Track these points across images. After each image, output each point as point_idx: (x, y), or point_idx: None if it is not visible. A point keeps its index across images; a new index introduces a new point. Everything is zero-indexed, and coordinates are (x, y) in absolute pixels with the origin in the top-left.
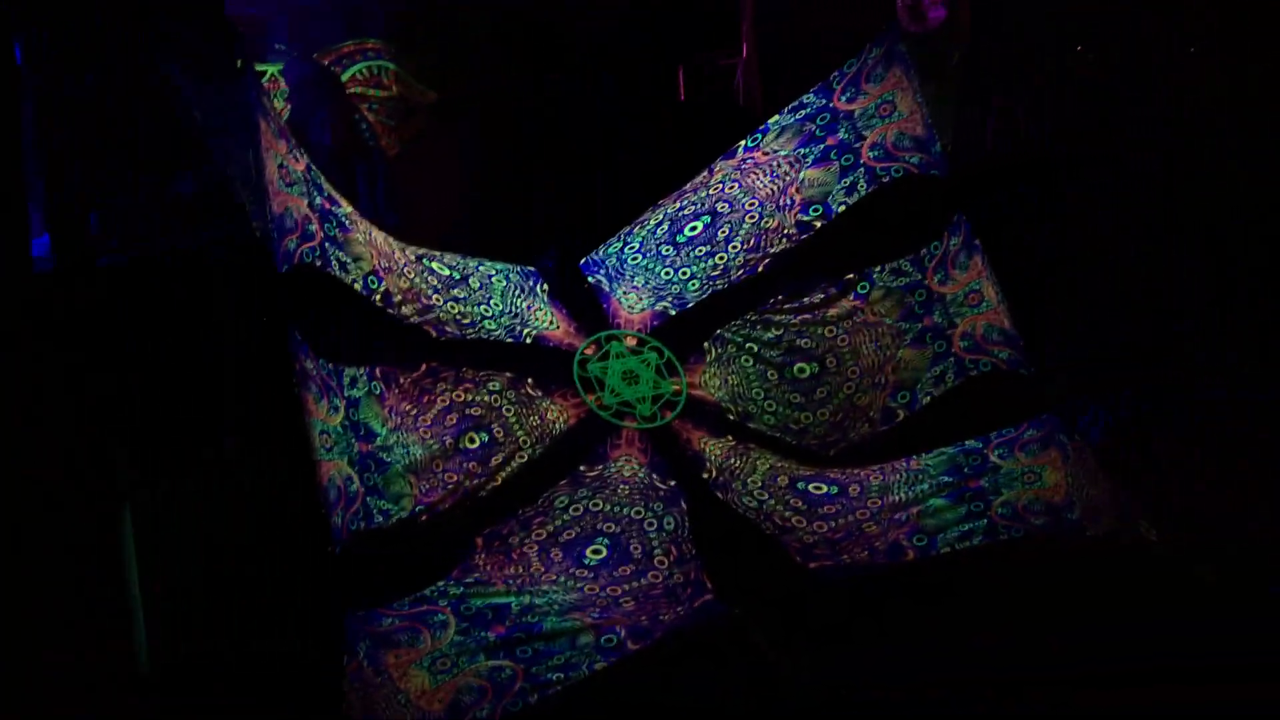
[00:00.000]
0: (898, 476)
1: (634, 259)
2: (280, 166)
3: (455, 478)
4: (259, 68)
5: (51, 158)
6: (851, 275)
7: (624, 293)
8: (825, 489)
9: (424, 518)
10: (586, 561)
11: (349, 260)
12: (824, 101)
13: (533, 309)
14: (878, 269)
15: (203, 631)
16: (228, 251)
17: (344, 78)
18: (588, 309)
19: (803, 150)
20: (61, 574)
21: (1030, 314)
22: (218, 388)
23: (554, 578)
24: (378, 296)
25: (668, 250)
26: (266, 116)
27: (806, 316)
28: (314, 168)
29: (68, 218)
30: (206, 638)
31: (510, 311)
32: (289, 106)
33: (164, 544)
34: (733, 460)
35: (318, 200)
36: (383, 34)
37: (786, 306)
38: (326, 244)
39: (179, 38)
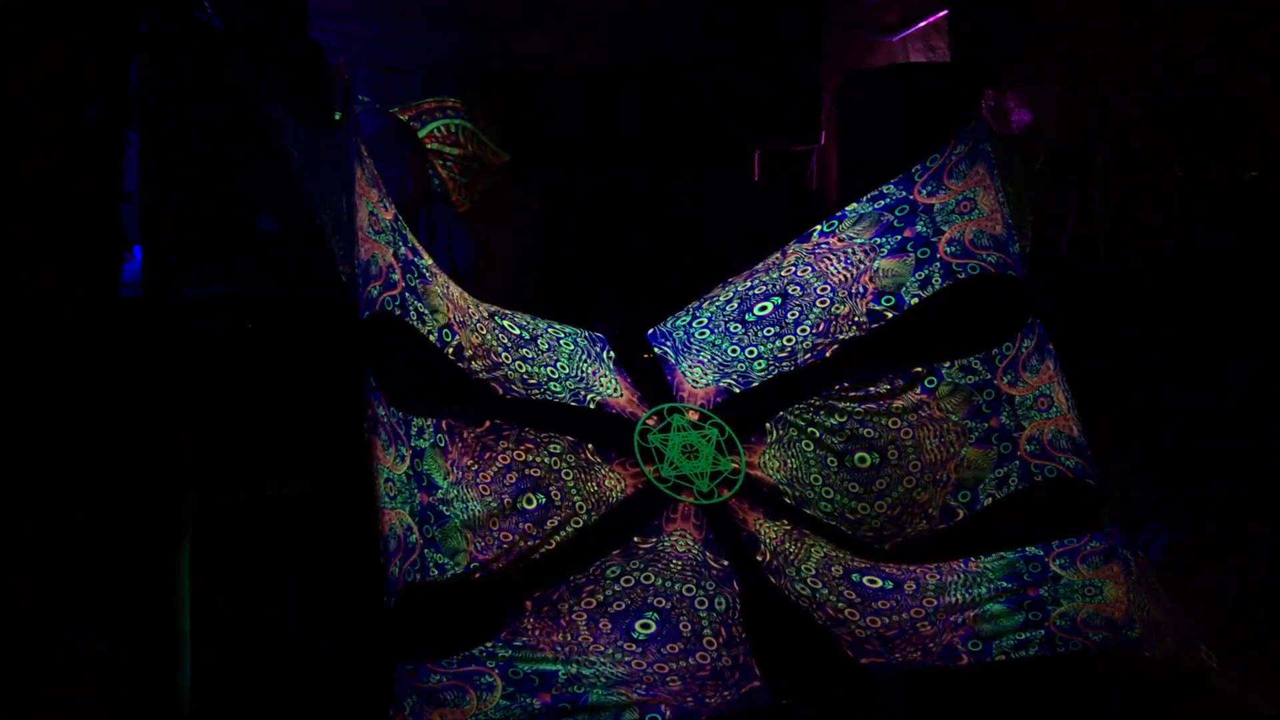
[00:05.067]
0: (955, 577)
1: (702, 334)
2: (371, 214)
3: (510, 538)
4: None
5: (152, 186)
6: (920, 369)
7: (689, 366)
8: (880, 583)
9: (477, 575)
10: (635, 635)
11: (427, 311)
12: (904, 193)
13: (598, 375)
14: (947, 364)
15: (249, 671)
16: (311, 293)
17: (421, 133)
18: (652, 379)
19: (879, 240)
20: (114, 601)
21: (1099, 424)
22: (289, 428)
23: (601, 648)
24: (450, 350)
25: (736, 328)
26: (362, 163)
27: (871, 406)
28: (400, 218)
29: (160, 246)
30: (252, 677)
31: (576, 375)
32: None
33: (219, 580)
34: (788, 545)
35: (402, 250)
36: (461, 94)
37: (852, 394)
38: (407, 294)
39: (287, 80)
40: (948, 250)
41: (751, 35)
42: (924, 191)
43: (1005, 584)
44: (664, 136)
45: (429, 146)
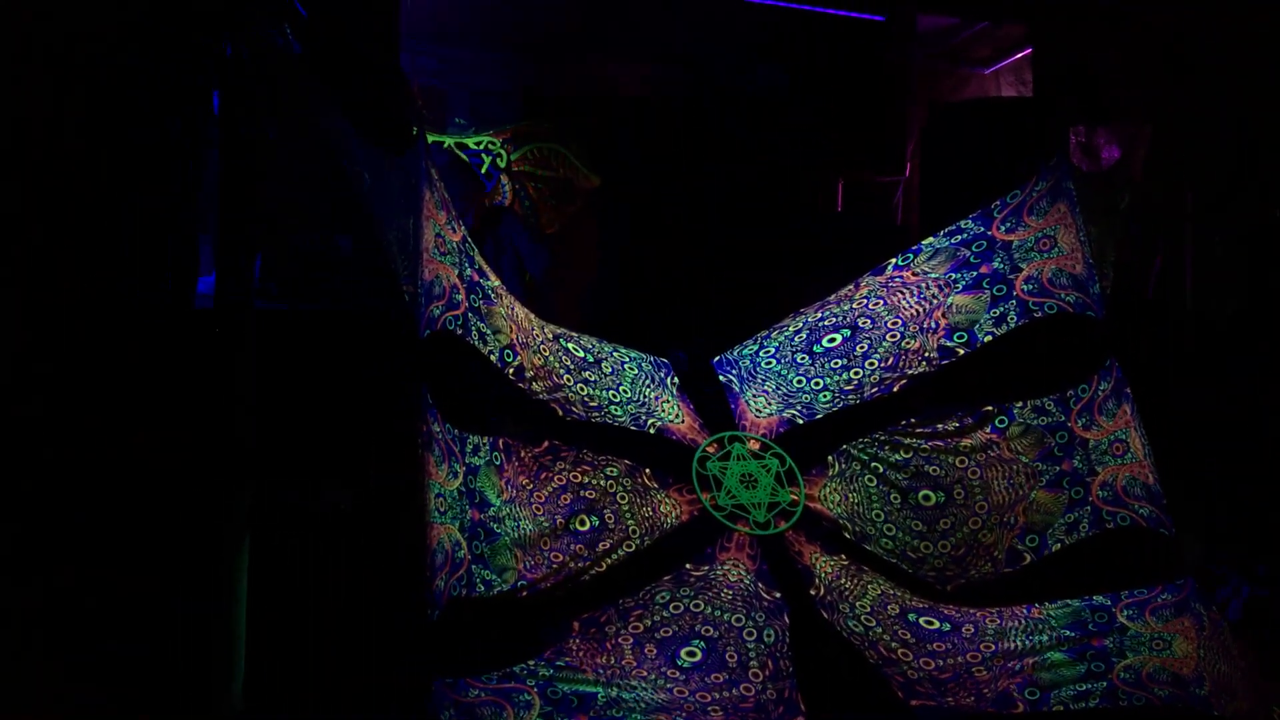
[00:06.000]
0: (1016, 623)
1: (768, 363)
2: (437, 236)
3: (561, 558)
4: (437, 139)
5: (229, 203)
6: (991, 407)
7: (753, 395)
8: (937, 624)
9: (524, 594)
10: (680, 662)
11: (489, 332)
12: (982, 229)
13: (660, 400)
14: (1019, 404)
15: (298, 674)
16: (376, 310)
17: (515, 155)
18: (715, 407)
19: (954, 275)
20: (177, 597)
21: (1182, 473)
22: (347, 440)
23: (645, 674)
24: (511, 370)
25: (803, 359)
26: (432, 186)
27: (938, 444)
28: (469, 240)
29: (235, 260)
30: (301, 681)
31: (638, 400)
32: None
33: (272, 585)
34: (843, 580)
35: (468, 271)
36: (555, 118)
37: (919, 430)
38: (470, 314)
39: (358, 100)
40: (1025, 288)
41: (843, 65)
42: (1003, 228)
43: (1069, 632)
44: (751, 165)
45: (522, 169)
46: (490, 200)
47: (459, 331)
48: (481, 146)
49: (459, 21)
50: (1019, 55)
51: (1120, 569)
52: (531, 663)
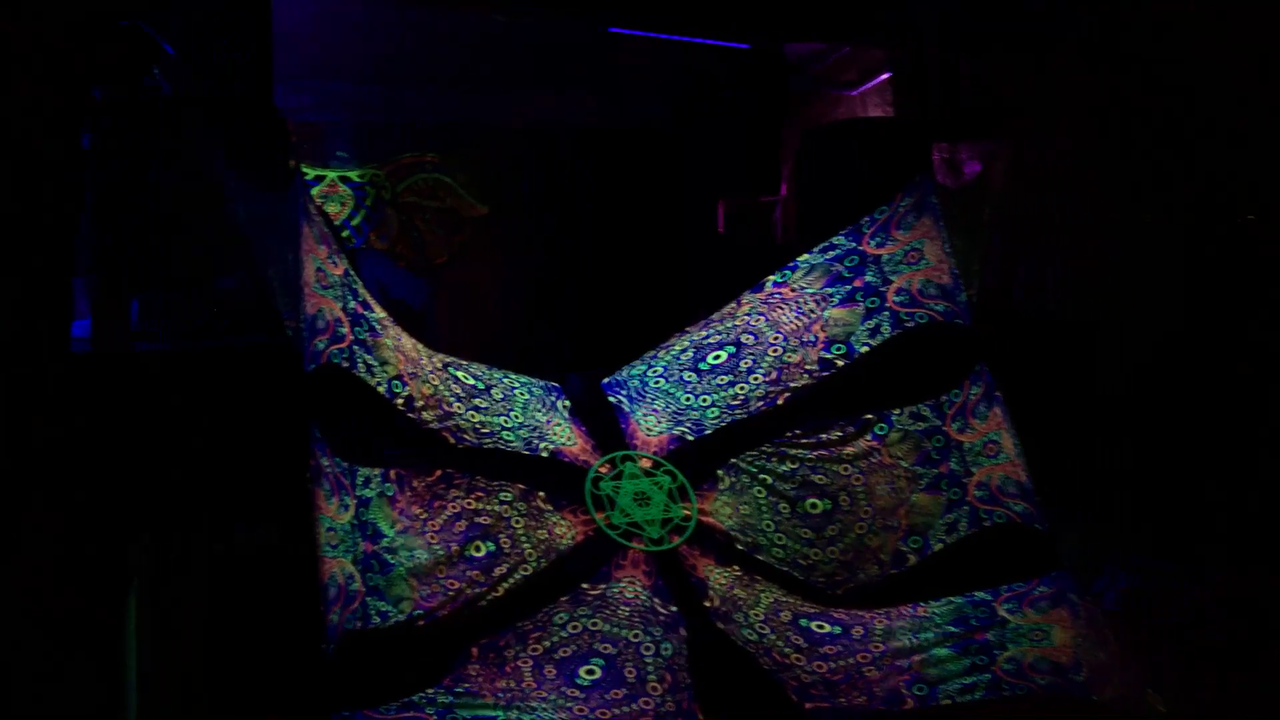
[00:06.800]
0: (903, 622)
1: (656, 382)
2: (319, 270)
3: (457, 585)
4: (319, 172)
5: (103, 245)
6: (870, 416)
7: (643, 415)
8: (828, 628)
9: (421, 623)
10: (579, 681)
11: (376, 364)
12: (853, 244)
13: (552, 423)
14: (897, 411)
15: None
16: (259, 348)
17: (400, 187)
18: (606, 428)
19: (830, 290)
20: (62, 649)
21: (1057, 470)
22: (234, 479)
23: (545, 695)
24: (400, 400)
25: (690, 376)
26: (310, 221)
27: (823, 453)
28: (352, 272)
29: (111, 304)
30: None
31: (529, 424)
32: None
33: (163, 628)
34: (737, 590)
35: (351, 304)
36: (440, 149)
37: (803, 441)
38: (355, 346)
39: (232, 138)
40: (896, 299)
41: (720, 93)
42: (873, 242)
43: (952, 628)
44: (634, 190)
45: (408, 200)
46: (377, 234)
47: (345, 364)
48: (366, 179)
49: (336, 55)
50: (883, 77)
51: (999, 565)
52: (431, 691)
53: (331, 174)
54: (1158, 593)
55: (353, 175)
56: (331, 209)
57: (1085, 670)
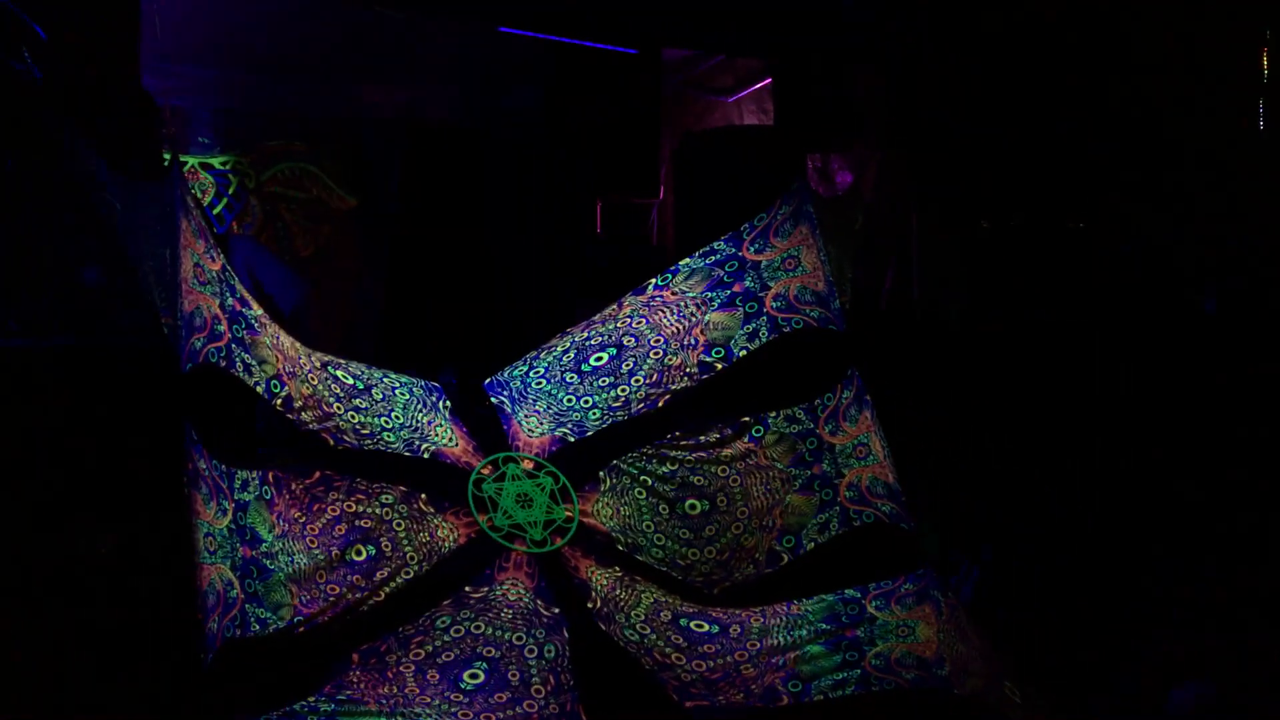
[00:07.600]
0: (778, 620)
1: (538, 383)
2: (196, 265)
3: (337, 590)
4: (181, 158)
5: None
6: (747, 418)
7: (525, 416)
8: (707, 627)
9: (301, 629)
10: (463, 685)
11: (254, 363)
12: (733, 250)
13: (433, 424)
14: (773, 414)
15: None
16: (130, 345)
17: (265, 176)
18: (488, 429)
19: (710, 294)
20: None
21: (919, 470)
22: (106, 481)
23: (428, 700)
24: (279, 401)
25: (572, 378)
26: (188, 214)
27: (701, 454)
28: (229, 268)
29: None
30: None
31: (411, 425)
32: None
33: (40, 634)
34: (618, 591)
35: (229, 301)
36: (307, 138)
37: (683, 443)
38: (233, 345)
39: (106, 129)
40: (774, 305)
41: (598, 93)
42: (752, 249)
43: (825, 625)
44: (511, 188)
45: (273, 189)
46: (240, 223)
47: (223, 364)
48: (229, 166)
49: (202, 40)
50: (759, 85)
51: (868, 563)
52: (312, 699)
53: (193, 160)
54: (1007, 584)
55: (214, 162)
56: None
57: (948, 665)
